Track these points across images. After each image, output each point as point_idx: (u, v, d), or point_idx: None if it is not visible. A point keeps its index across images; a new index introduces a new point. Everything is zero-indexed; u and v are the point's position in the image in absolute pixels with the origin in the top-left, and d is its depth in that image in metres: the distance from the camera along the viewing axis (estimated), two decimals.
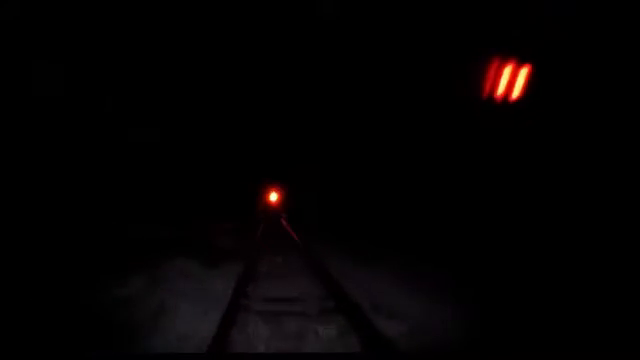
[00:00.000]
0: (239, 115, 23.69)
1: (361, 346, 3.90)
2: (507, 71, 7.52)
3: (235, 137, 25.42)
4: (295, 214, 22.11)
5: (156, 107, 13.40)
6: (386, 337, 3.94)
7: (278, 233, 13.19)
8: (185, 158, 17.06)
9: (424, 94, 11.75)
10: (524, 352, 4.00)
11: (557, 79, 7.15)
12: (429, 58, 11.04)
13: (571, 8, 6.69)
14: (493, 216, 8.66)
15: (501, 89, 7.94)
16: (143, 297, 5.01)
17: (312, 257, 7.77)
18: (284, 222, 17.26)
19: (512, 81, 7.74)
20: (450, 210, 10.36)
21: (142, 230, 9.76)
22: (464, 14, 9.30)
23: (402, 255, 8.45)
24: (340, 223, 14.92)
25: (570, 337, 4.32)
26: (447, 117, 10.85)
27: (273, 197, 27.28)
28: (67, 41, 8.72)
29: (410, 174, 12.78)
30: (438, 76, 10.86)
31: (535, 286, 5.99)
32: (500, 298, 5.63)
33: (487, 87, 8.01)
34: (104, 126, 10.34)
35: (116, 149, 11.12)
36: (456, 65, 9.80)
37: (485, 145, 9.40)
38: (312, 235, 12.04)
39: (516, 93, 7.75)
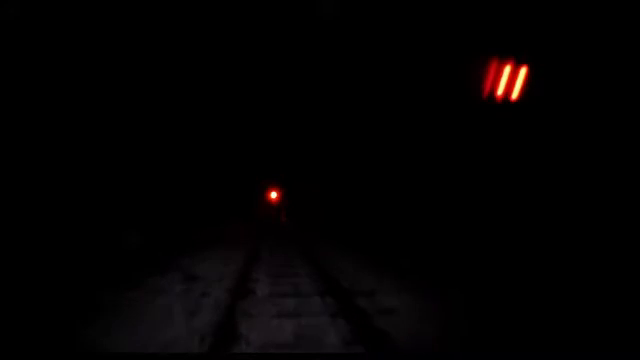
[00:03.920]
0: (239, 116, 23.68)
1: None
2: (506, 71, 7.53)
3: (235, 138, 25.41)
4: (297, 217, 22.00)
5: (156, 108, 13.40)
6: None
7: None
8: (187, 159, 17.07)
9: (424, 95, 11.75)
10: (523, 352, 4.01)
11: (556, 79, 7.15)
12: (428, 59, 11.04)
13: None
14: (492, 217, 8.67)
15: (501, 89, 7.95)
16: None
17: None
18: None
19: (511, 81, 7.74)
20: (447, 211, 10.36)
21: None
22: (463, 14, 9.30)
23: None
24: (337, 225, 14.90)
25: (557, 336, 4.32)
26: (447, 118, 10.85)
27: (273, 196, 27.35)
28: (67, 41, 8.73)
29: (409, 174, 12.78)
30: (437, 77, 10.86)
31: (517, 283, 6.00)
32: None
33: (487, 87, 8.02)
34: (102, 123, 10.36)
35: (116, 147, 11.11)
36: (456, 65, 9.80)
37: (485, 146, 9.41)
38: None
39: (515, 94, 7.75)
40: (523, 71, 7.41)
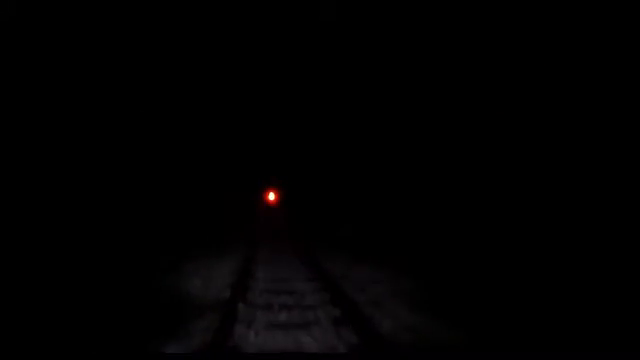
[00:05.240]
0: (239, 116, 23.69)
1: None
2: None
3: (235, 138, 25.41)
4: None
5: (156, 108, 13.40)
6: None
7: None
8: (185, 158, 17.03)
9: (423, 95, 11.74)
10: (523, 352, 3.97)
11: (555, 80, 7.14)
12: (428, 59, 11.04)
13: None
14: (491, 216, 8.63)
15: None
16: None
17: None
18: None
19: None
20: (445, 209, 10.33)
21: None
22: (462, 15, 9.30)
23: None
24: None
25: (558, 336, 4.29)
26: (446, 118, 10.83)
27: (272, 197, 27.28)
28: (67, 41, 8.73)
29: (407, 173, 12.75)
30: (437, 77, 10.85)
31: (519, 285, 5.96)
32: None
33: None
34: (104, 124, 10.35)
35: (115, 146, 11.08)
36: (455, 66, 9.80)
37: (485, 146, 9.38)
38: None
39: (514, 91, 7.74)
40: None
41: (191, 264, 8.00)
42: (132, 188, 11.56)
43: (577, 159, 6.97)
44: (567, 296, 5.40)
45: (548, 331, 4.41)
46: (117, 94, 10.73)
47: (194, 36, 14.09)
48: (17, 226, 7.43)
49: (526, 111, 7.86)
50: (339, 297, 5.32)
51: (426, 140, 11.90)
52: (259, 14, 14.75)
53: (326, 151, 21.60)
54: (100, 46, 9.59)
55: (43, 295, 5.26)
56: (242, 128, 25.25)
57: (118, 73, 10.54)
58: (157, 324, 4.37)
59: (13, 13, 6.87)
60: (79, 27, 8.80)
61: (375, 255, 9.31)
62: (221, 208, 20.58)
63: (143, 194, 12.21)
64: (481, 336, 4.19)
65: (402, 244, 10.53)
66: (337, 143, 19.88)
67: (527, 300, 5.30)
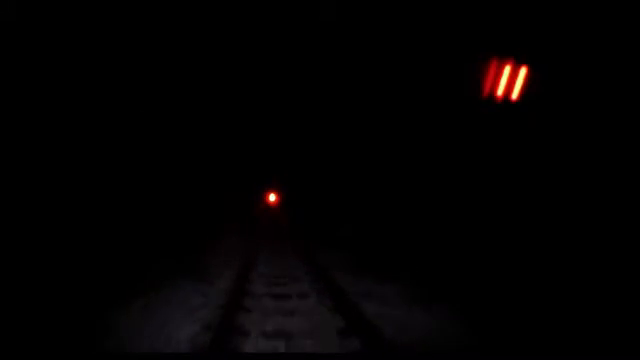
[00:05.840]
0: (238, 117, 23.67)
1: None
2: (506, 71, 7.50)
3: (235, 139, 25.37)
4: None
5: (156, 110, 13.38)
6: None
7: None
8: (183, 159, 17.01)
9: (425, 95, 11.73)
10: (523, 353, 3.96)
11: (555, 80, 7.13)
12: (429, 59, 11.03)
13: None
14: (492, 216, 8.63)
15: (501, 90, 7.93)
16: None
17: None
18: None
19: (511, 82, 7.72)
20: (446, 210, 10.32)
21: None
22: (462, 15, 9.29)
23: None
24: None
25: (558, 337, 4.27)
26: (447, 118, 10.82)
27: (272, 198, 27.17)
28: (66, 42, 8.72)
29: (409, 174, 12.74)
30: (438, 77, 10.84)
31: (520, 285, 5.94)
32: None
33: (487, 87, 8.00)
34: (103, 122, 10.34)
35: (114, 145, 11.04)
36: (455, 66, 9.79)
37: (485, 146, 9.38)
38: None
39: (515, 94, 7.73)
40: (523, 71, 7.38)
41: (139, 309, 4.81)
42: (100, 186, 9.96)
43: (578, 159, 6.97)
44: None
45: None
46: (117, 95, 10.72)
47: (194, 36, 14.07)
48: None
49: (526, 110, 7.86)
50: None
51: (426, 140, 11.90)
52: (259, 14, 14.72)
53: (326, 152, 21.57)
54: (100, 46, 9.59)
55: None
56: (241, 129, 25.22)
57: (118, 73, 10.53)
58: None
59: (13, 14, 6.86)
60: (79, 27, 8.80)
61: (395, 267, 8.41)
62: (219, 211, 20.24)
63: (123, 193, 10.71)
64: None
65: (408, 247, 10.47)
66: (337, 144, 19.85)
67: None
